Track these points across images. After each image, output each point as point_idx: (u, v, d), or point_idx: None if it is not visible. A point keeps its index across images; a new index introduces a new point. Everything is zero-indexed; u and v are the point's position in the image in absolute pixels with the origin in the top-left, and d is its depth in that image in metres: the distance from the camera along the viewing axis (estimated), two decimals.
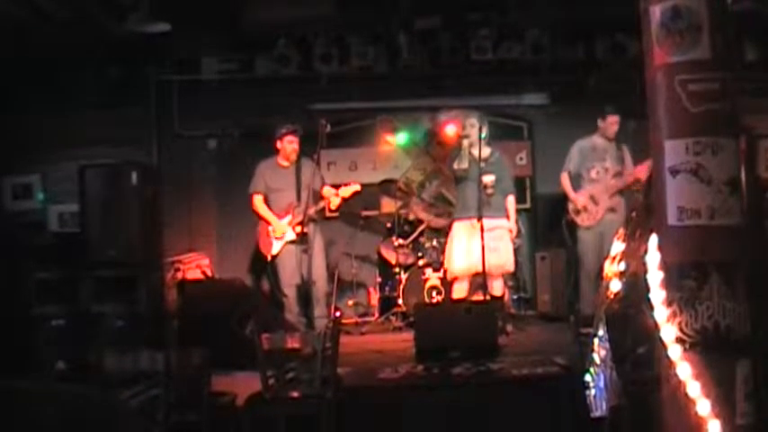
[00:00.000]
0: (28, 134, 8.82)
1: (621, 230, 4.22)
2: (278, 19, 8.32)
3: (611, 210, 7.51)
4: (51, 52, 8.21)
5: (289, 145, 7.50)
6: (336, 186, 7.72)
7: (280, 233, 7.40)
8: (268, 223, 7.46)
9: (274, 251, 7.42)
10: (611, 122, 7.66)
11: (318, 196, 7.52)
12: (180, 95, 9.39)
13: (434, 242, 8.57)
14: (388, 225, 9.05)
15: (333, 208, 7.65)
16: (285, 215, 7.43)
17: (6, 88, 8.39)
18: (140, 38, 8.03)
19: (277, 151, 7.59)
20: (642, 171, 7.25)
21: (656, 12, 3.42)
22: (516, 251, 7.74)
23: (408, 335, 6.95)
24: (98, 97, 8.88)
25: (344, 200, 7.65)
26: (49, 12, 7.29)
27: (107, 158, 8.17)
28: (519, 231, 7.90)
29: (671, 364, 3.33)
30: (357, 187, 7.67)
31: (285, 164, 7.57)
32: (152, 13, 7.68)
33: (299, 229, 7.25)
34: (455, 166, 7.56)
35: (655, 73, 3.44)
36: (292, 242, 7.33)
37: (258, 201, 7.56)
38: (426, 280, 8.44)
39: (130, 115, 9.08)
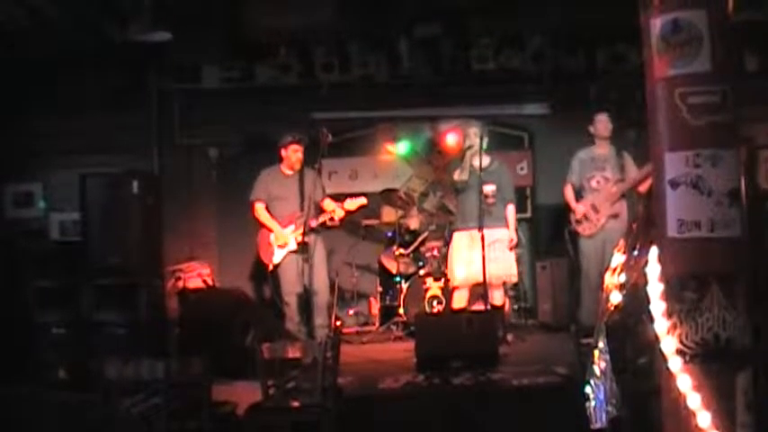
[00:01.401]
0: (29, 142, 8.85)
1: (622, 242, 4.22)
2: (279, 27, 8.34)
3: (614, 216, 7.50)
4: (53, 59, 8.24)
5: (294, 154, 7.49)
6: (340, 197, 7.72)
7: (282, 241, 7.39)
8: (270, 231, 7.46)
9: (276, 260, 7.41)
10: (599, 121, 7.65)
11: (319, 208, 7.52)
12: (181, 104, 9.42)
13: (435, 251, 8.56)
14: (389, 234, 9.05)
15: (336, 219, 7.63)
16: (288, 224, 7.42)
17: (8, 96, 8.42)
18: (142, 46, 8.05)
19: (280, 159, 7.58)
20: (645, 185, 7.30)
21: (656, 24, 3.43)
22: (517, 261, 7.73)
23: (409, 344, 6.96)
24: (99, 105, 8.90)
25: (349, 213, 7.64)
26: (52, 19, 7.31)
27: (108, 167, 8.19)
28: (519, 241, 7.90)
29: (671, 375, 3.33)
30: (363, 201, 7.64)
31: (289, 172, 7.56)
32: (153, 22, 7.69)
33: (300, 238, 7.25)
34: (455, 177, 7.56)
35: (655, 85, 3.45)
36: (294, 251, 7.33)
37: (260, 208, 7.55)
38: (427, 289, 8.43)
39: (131, 123, 9.10)
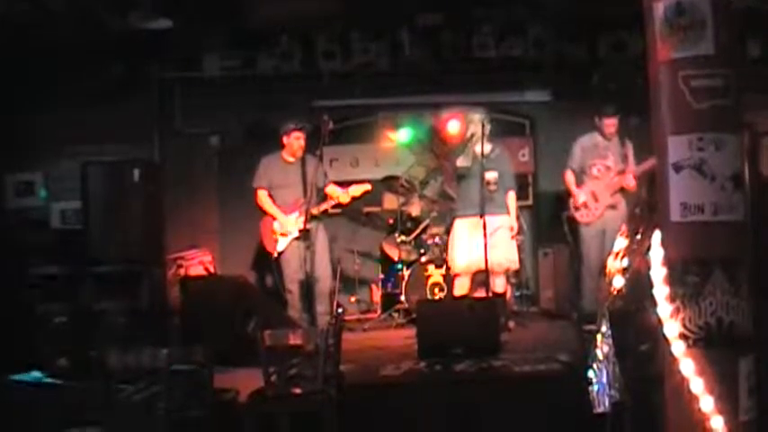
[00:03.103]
0: (30, 131, 8.83)
1: (624, 227, 4.22)
2: (280, 15, 8.31)
3: (612, 207, 7.51)
4: (53, 49, 8.21)
5: (296, 141, 7.48)
6: (341, 183, 7.72)
7: (285, 230, 7.38)
8: (273, 218, 7.45)
9: (280, 248, 7.41)
10: (608, 124, 7.64)
11: (322, 193, 7.52)
12: (182, 92, 9.41)
13: (437, 239, 8.56)
14: (391, 221, 9.05)
15: (344, 202, 7.63)
16: (291, 211, 7.42)
17: (9, 85, 8.40)
18: (142, 34, 8.03)
19: (282, 147, 7.57)
20: (641, 168, 7.35)
21: (659, 7, 3.41)
22: (518, 248, 7.73)
23: (411, 331, 6.96)
24: (100, 94, 8.87)
25: (354, 199, 7.64)
26: (52, 8, 7.29)
27: (109, 155, 8.20)
28: (521, 228, 7.90)
29: (674, 360, 3.33)
30: (367, 187, 7.66)
31: (290, 160, 7.55)
32: (154, 9, 7.67)
33: (301, 225, 7.25)
34: (458, 163, 7.54)
35: (658, 69, 3.43)
36: (296, 239, 7.33)
37: (263, 195, 7.54)
38: (429, 276, 8.45)
39: (133, 112, 9.07)
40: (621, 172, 7.55)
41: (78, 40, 8.08)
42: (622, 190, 7.55)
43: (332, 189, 7.61)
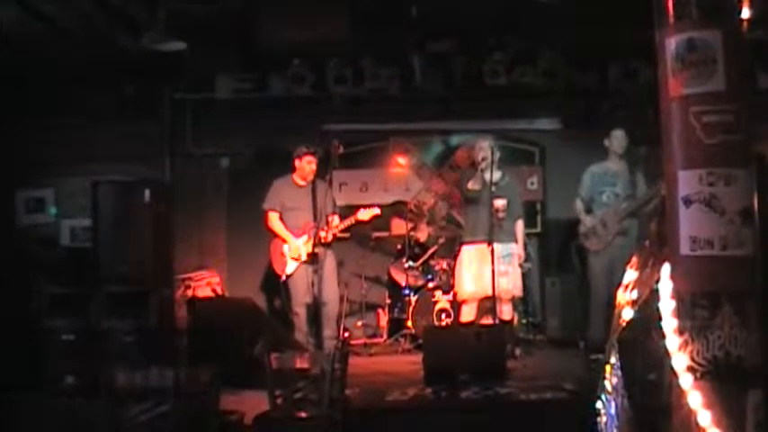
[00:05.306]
0: (42, 148, 8.86)
1: (634, 259, 4.23)
2: (292, 39, 8.36)
3: (622, 233, 7.49)
4: (67, 68, 8.28)
5: (308, 165, 7.51)
6: (350, 209, 7.74)
7: (296, 254, 7.40)
8: (284, 241, 7.47)
9: (288, 271, 7.41)
10: (615, 137, 7.60)
11: (326, 221, 7.52)
12: (194, 113, 9.43)
13: (444, 264, 8.57)
14: (399, 247, 9.06)
15: (365, 219, 7.63)
16: (301, 234, 7.44)
17: (21, 103, 8.46)
18: (156, 55, 8.08)
19: (293, 170, 7.60)
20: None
21: (671, 43, 3.45)
22: (526, 276, 7.72)
23: (417, 357, 6.95)
24: (112, 114, 8.93)
25: (361, 222, 7.64)
26: (66, 28, 7.36)
27: (120, 175, 8.21)
28: (528, 256, 7.89)
29: (682, 392, 3.33)
30: (377, 211, 7.65)
31: (302, 183, 7.57)
32: (168, 31, 7.72)
33: (310, 249, 7.26)
34: (469, 186, 7.52)
35: (669, 104, 3.46)
36: (305, 262, 7.34)
37: (274, 218, 7.56)
38: (436, 302, 8.44)
39: (144, 132, 9.11)
40: (630, 198, 7.54)
41: (92, 60, 8.14)
42: (632, 215, 7.54)
43: (333, 220, 7.60)
